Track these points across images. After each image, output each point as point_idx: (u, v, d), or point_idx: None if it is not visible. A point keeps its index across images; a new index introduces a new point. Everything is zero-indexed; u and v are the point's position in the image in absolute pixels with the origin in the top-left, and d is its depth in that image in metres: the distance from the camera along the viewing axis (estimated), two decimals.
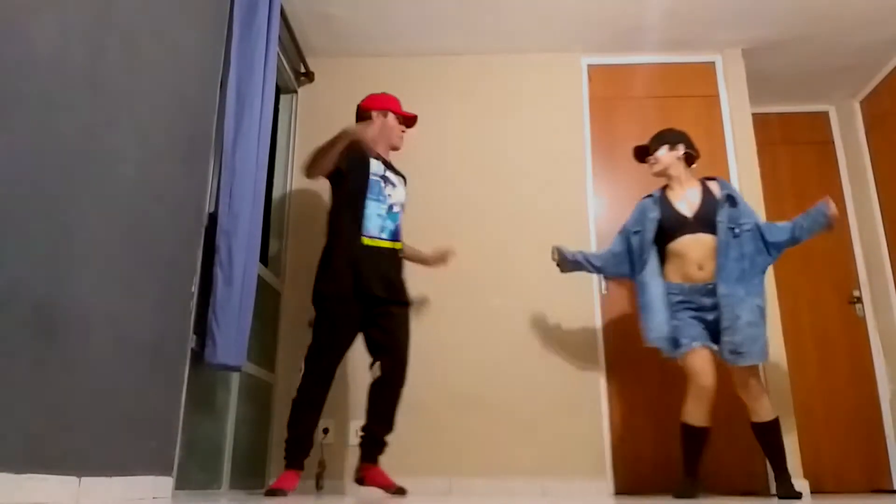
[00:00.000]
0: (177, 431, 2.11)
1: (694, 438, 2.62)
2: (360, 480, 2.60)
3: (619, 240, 2.90)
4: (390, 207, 2.74)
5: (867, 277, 3.86)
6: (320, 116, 3.64)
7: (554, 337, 3.25)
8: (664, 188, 2.88)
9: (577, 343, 3.25)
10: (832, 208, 2.60)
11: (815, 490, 3.39)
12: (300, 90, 3.69)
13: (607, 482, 3.03)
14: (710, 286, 2.66)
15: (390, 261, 2.69)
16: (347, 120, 3.66)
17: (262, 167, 2.64)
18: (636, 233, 2.84)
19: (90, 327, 1.61)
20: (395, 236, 2.74)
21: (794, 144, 4.12)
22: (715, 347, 2.65)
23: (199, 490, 2.35)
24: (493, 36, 3.58)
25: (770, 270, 3.33)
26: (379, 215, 2.69)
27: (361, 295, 2.58)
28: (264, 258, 3.27)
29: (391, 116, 2.88)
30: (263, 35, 2.70)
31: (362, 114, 2.91)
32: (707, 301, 2.67)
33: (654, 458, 3.09)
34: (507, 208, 3.45)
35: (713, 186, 2.82)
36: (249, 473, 2.88)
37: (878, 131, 3.84)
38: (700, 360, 2.59)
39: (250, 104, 2.56)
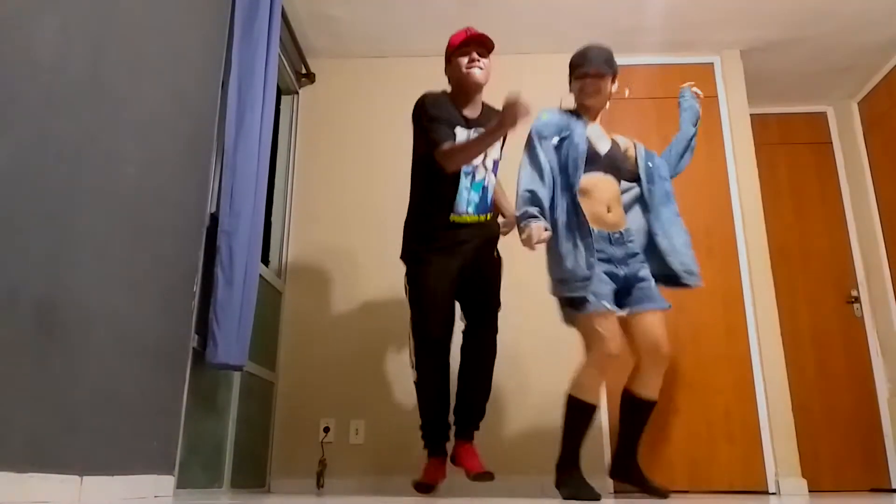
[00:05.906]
0: (178, 430, 2.12)
1: (587, 418, 2.27)
2: (452, 458, 2.50)
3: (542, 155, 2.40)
4: (473, 177, 2.55)
5: (865, 277, 3.88)
6: (321, 117, 3.66)
7: (552, 335, 3.26)
8: (580, 115, 2.50)
9: (576, 341, 3.25)
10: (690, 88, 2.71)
11: (813, 489, 3.40)
12: (301, 91, 3.70)
13: (606, 480, 3.04)
14: (618, 234, 2.35)
15: (478, 231, 2.60)
16: (348, 121, 3.69)
17: (263, 168, 2.66)
18: (563, 140, 2.40)
19: (92, 327, 1.61)
20: (480, 209, 2.58)
21: (792, 145, 4.13)
22: (623, 313, 2.32)
23: (201, 489, 2.36)
24: (493, 37, 3.58)
25: (769, 271, 3.35)
26: (466, 188, 2.55)
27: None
28: (265, 258, 3.28)
29: (457, 55, 2.62)
30: (264, 36, 2.71)
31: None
32: (618, 252, 2.34)
33: (651, 456, 3.10)
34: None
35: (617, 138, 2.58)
36: (250, 472, 2.89)
37: (876, 132, 3.86)
38: (611, 324, 2.23)
39: (251, 105, 2.57)
